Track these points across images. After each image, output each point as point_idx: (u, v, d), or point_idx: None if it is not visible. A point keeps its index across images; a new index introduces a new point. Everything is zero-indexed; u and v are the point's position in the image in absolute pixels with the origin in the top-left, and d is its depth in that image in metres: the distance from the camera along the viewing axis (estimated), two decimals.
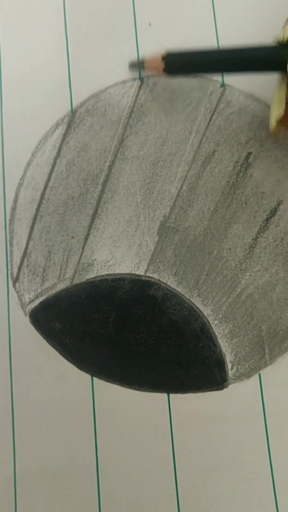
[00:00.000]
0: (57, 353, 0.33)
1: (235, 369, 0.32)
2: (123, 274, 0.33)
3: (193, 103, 0.35)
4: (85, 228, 0.34)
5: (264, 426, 0.32)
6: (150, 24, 0.36)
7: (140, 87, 0.35)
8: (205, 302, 0.33)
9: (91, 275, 0.34)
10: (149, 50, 0.36)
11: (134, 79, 0.36)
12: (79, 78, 0.36)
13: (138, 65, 0.35)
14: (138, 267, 0.33)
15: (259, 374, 0.32)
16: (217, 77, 0.36)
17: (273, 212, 0.34)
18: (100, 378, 0.33)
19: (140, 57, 0.35)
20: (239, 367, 0.32)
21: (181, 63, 0.33)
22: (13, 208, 0.34)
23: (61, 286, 0.34)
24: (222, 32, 0.36)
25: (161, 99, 0.35)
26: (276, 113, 0.30)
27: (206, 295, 0.33)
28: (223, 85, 0.35)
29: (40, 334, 0.33)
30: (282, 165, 0.34)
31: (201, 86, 0.35)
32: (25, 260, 0.34)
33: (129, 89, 0.35)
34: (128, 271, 0.33)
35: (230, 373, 0.32)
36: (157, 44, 0.36)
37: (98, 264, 0.34)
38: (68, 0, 0.37)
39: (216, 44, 0.36)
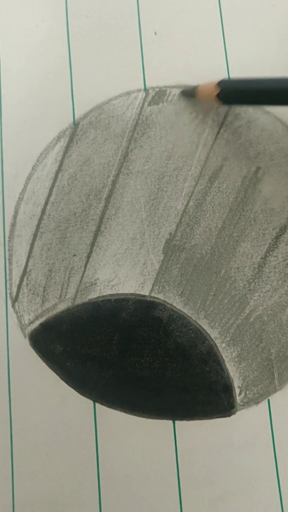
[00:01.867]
0: (57, 377, 0.31)
1: (243, 394, 0.30)
2: (127, 294, 0.31)
3: (200, 116, 0.32)
4: (88, 245, 0.31)
5: (273, 454, 0.29)
6: (155, 33, 0.34)
7: (145, 98, 0.33)
8: (212, 324, 0.30)
9: (93, 295, 0.31)
10: (154, 60, 0.33)
11: (139, 90, 0.33)
12: (82, 88, 0.33)
13: (191, 92, 0.32)
14: (142, 287, 0.31)
15: (268, 400, 0.30)
16: None
17: (283, 229, 0.31)
18: (102, 403, 0.30)
19: (193, 86, 0.33)
20: (247, 392, 0.30)
21: (236, 91, 0.30)
22: (13, 224, 0.32)
23: (62, 306, 0.31)
24: (229, 42, 0.33)
25: (167, 112, 0.32)
26: None
27: (213, 316, 0.31)
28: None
29: (40, 357, 0.31)
30: None
31: None
32: (25, 279, 0.31)
33: (134, 101, 0.33)
34: (132, 291, 0.31)
35: (238, 398, 0.30)
36: (162, 53, 0.34)
37: (101, 283, 0.31)
38: (71, 8, 0.34)
39: (224, 54, 0.33)
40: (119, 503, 0.30)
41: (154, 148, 0.33)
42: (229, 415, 0.30)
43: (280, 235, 0.32)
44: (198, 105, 0.33)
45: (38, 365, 0.31)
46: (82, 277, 0.32)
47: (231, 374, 0.31)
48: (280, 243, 0.32)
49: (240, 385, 0.31)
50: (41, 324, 0.31)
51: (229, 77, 0.33)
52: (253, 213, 0.32)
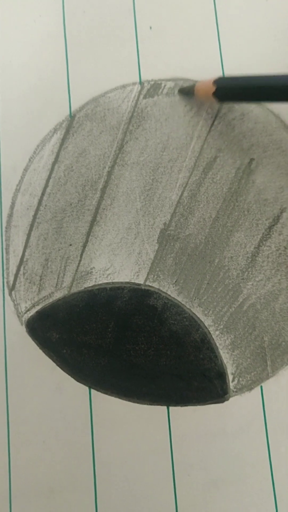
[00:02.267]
0: (54, 364, 0.31)
1: (236, 381, 0.30)
2: (122, 282, 0.31)
3: (194, 108, 0.33)
4: (84, 235, 0.32)
5: (266, 439, 0.30)
6: (150, 28, 0.34)
7: (140, 91, 0.33)
8: (206, 312, 0.31)
9: (89, 283, 0.31)
10: (149, 54, 0.34)
11: (135, 83, 0.33)
12: (78, 81, 0.34)
13: (188, 90, 0.33)
14: (137, 275, 0.31)
15: (261, 387, 0.30)
16: None
17: (276, 220, 0.32)
18: (98, 390, 0.30)
19: (189, 83, 0.33)
20: (240, 379, 0.30)
21: (232, 89, 0.30)
22: (10, 215, 0.32)
23: (58, 295, 0.31)
24: (224, 36, 0.33)
25: (162, 104, 0.33)
26: None
27: (207, 305, 0.31)
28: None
29: (37, 345, 0.31)
30: (286, 171, 0.32)
31: None
32: (22, 268, 0.32)
33: (129, 94, 0.33)
34: (127, 280, 0.31)
35: (231, 385, 0.30)
36: (157, 47, 0.34)
37: (96, 272, 0.31)
38: (67, 3, 0.34)
39: (218, 48, 0.33)
40: (114, 488, 0.30)
41: (149, 140, 0.33)
42: (222, 401, 0.31)
43: (273, 225, 0.32)
44: (195, 101, 0.33)
45: (34, 352, 0.31)
46: (78, 266, 0.32)
47: (225, 361, 0.31)
48: (273, 233, 0.32)
49: (234, 372, 0.31)
50: (38, 312, 0.32)
51: (223, 71, 0.34)
52: (246, 203, 0.32)
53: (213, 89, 0.30)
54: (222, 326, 0.31)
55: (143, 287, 0.32)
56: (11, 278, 0.32)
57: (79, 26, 0.35)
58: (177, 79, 0.34)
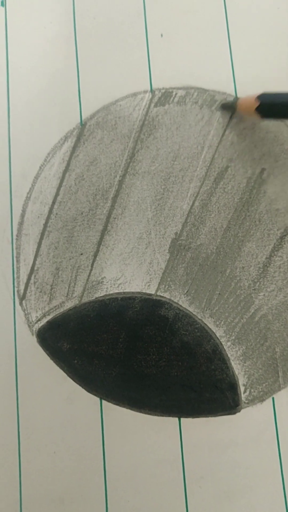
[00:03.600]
0: (64, 374, 0.30)
1: (248, 392, 0.29)
2: (133, 293, 0.30)
3: (206, 117, 0.32)
4: (95, 244, 0.31)
5: (278, 451, 0.29)
6: (161, 35, 0.33)
7: (151, 100, 0.32)
8: (217, 323, 0.30)
9: (100, 293, 0.30)
10: (160, 61, 0.33)
11: (146, 91, 0.32)
12: (89, 89, 0.33)
13: (231, 105, 0.32)
14: (148, 285, 0.30)
15: (273, 398, 0.30)
16: (230, 91, 0.33)
17: None
18: (109, 401, 0.30)
19: (233, 98, 0.32)
20: (252, 390, 0.29)
21: (277, 105, 0.30)
22: (20, 223, 0.31)
23: (69, 304, 0.30)
24: (234, 43, 0.33)
25: (173, 113, 0.32)
26: None
27: (218, 315, 0.30)
28: (236, 99, 0.32)
29: (48, 355, 0.30)
30: None
31: (213, 100, 0.32)
32: (32, 277, 0.31)
33: (140, 102, 0.32)
34: (138, 290, 0.30)
35: (243, 396, 0.29)
36: (168, 55, 0.33)
37: (107, 282, 0.31)
38: (78, 10, 0.33)
39: (229, 56, 0.32)
40: (125, 499, 0.29)
41: (160, 149, 0.32)
42: (234, 413, 0.30)
43: (285, 235, 0.31)
44: (204, 106, 0.32)
45: (45, 362, 0.31)
46: (89, 275, 0.31)
47: (236, 372, 0.30)
48: (285, 243, 0.31)
49: (245, 383, 0.30)
50: (49, 322, 0.31)
51: (234, 79, 0.33)
52: (258, 213, 0.32)
53: (256, 104, 0.30)
54: (233, 337, 0.31)
55: (154, 297, 0.31)
56: (22, 287, 0.31)
57: (89, 33, 0.34)
58: (188, 87, 0.33)
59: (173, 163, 0.32)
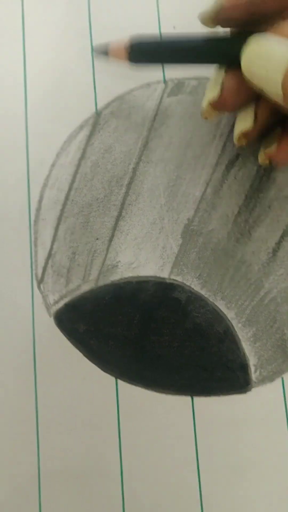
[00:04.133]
0: (81, 354, 0.31)
1: (258, 372, 0.30)
2: (147, 276, 0.31)
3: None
4: (110, 229, 0.32)
5: (287, 429, 0.30)
6: (174, 27, 0.34)
7: (164, 90, 0.33)
8: (228, 305, 0.31)
9: (115, 277, 0.31)
10: None
11: (159, 82, 0.33)
12: (104, 80, 0.34)
13: (103, 50, 0.31)
14: (162, 269, 0.31)
15: (282, 378, 0.30)
16: None
17: None
18: (124, 380, 0.31)
19: (105, 44, 0.31)
20: (262, 370, 0.30)
21: (146, 52, 0.29)
22: (38, 209, 0.32)
23: (85, 287, 0.31)
24: None
25: (186, 103, 0.33)
26: (209, 95, 0.28)
27: (229, 298, 0.31)
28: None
29: (65, 336, 0.31)
30: None
31: None
32: (50, 261, 0.32)
33: (154, 92, 0.33)
34: (152, 274, 0.31)
35: (253, 376, 0.30)
36: None
37: (122, 266, 0.31)
38: (93, 2, 0.34)
39: None
40: (140, 475, 0.30)
41: (173, 137, 0.33)
42: (244, 392, 0.31)
43: None
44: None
45: (62, 343, 0.31)
46: (104, 259, 0.32)
47: (247, 353, 0.31)
48: None
49: (255, 364, 0.31)
50: (66, 304, 0.32)
51: None
52: (268, 200, 0.32)
53: (125, 53, 0.29)
54: (244, 319, 0.31)
55: (167, 281, 0.32)
56: (40, 271, 0.32)
57: (104, 25, 0.35)
58: (201, 78, 0.34)
59: (185, 151, 0.33)
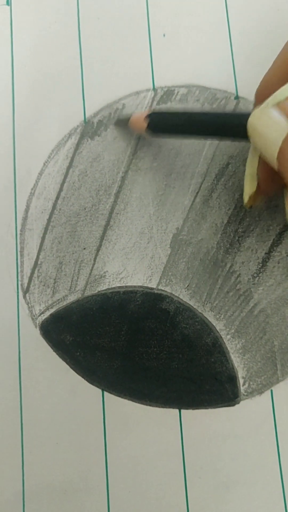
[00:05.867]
0: (67, 366, 0.30)
1: (247, 385, 0.29)
2: (135, 286, 0.30)
3: None
4: (97, 239, 0.31)
5: (276, 442, 0.29)
6: (164, 35, 0.33)
7: (153, 98, 0.32)
8: (217, 316, 0.30)
9: (102, 287, 0.30)
10: (163, 61, 0.33)
11: (148, 89, 0.32)
12: (93, 87, 0.33)
13: (123, 122, 0.32)
14: (150, 279, 0.30)
15: (271, 390, 0.29)
16: (231, 89, 0.32)
17: (287, 225, 0.30)
18: (110, 392, 0.29)
19: (126, 115, 0.32)
20: (251, 383, 0.29)
21: (163, 125, 0.30)
22: (24, 218, 0.31)
23: (72, 298, 0.30)
24: (235, 43, 0.33)
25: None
26: (249, 190, 0.28)
27: (218, 309, 0.30)
28: (237, 97, 0.32)
29: (51, 347, 0.30)
30: None
31: (215, 98, 0.32)
32: (36, 271, 0.30)
33: (143, 100, 0.32)
34: (140, 284, 0.30)
35: (242, 389, 0.29)
36: (170, 54, 0.33)
37: (110, 276, 0.30)
38: (82, 9, 0.33)
39: (230, 56, 0.32)
40: (126, 489, 0.29)
41: (162, 146, 0.32)
42: (233, 405, 0.30)
43: (284, 231, 0.31)
44: (205, 105, 0.32)
45: (48, 355, 0.30)
46: (91, 269, 0.31)
47: (236, 365, 0.30)
48: (284, 239, 0.31)
49: (244, 376, 0.30)
50: (52, 315, 0.31)
51: (235, 78, 0.33)
52: (257, 209, 0.31)
53: (145, 124, 0.30)
54: (233, 331, 0.30)
55: (155, 291, 0.31)
56: (26, 281, 0.31)
57: (93, 32, 0.34)
58: (190, 85, 0.33)
59: (174, 160, 0.32)
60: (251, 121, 0.26)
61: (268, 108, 0.25)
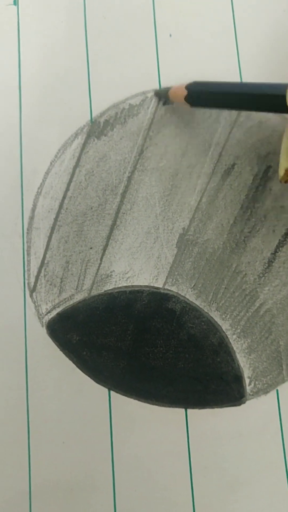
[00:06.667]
0: (74, 365, 0.30)
1: (252, 384, 0.29)
2: (141, 286, 0.30)
3: (213, 115, 0.32)
4: (104, 239, 0.30)
5: (282, 442, 0.29)
6: (170, 35, 0.33)
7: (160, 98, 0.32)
8: (223, 316, 0.30)
9: (109, 286, 0.30)
10: (169, 61, 0.32)
11: (154, 90, 0.32)
12: (99, 87, 0.32)
13: (163, 93, 0.32)
14: (156, 279, 0.30)
15: (277, 390, 0.29)
16: None
17: None
18: (117, 392, 0.29)
19: (166, 87, 0.32)
20: (256, 382, 0.29)
21: (203, 95, 0.30)
22: (31, 217, 0.31)
23: (78, 297, 0.30)
24: (242, 44, 0.32)
25: (181, 111, 0.31)
26: (284, 164, 0.27)
27: (224, 309, 0.30)
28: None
29: (57, 346, 0.30)
30: None
31: None
32: (43, 270, 0.30)
33: (149, 100, 0.32)
34: (146, 283, 0.30)
35: (248, 388, 0.29)
36: (177, 55, 0.33)
37: (116, 275, 0.30)
38: (89, 9, 0.33)
39: (236, 56, 0.32)
40: (132, 489, 0.29)
41: (169, 146, 0.32)
42: (239, 404, 0.30)
43: None
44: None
45: (55, 354, 0.30)
46: (98, 269, 0.31)
47: (242, 364, 0.30)
48: None
49: (250, 376, 0.30)
50: (58, 314, 0.30)
51: (241, 78, 0.32)
52: (263, 210, 0.31)
53: (185, 93, 0.30)
54: (239, 330, 0.30)
55: (162, 291, 0.31)
56: (32, 280, 0.31)
57: (100, 32, 0.34)
58: None
59: (181, 160, 0.32)
60: None
61: None
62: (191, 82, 0.30)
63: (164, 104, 0.32)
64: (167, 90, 0.32)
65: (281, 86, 0.25)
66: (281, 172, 0.28)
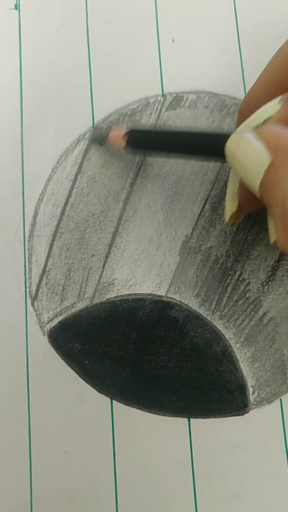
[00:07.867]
0: (75, 374, 0.29)
1: (256, 394, 0.28)
2: (144, 294, 0.29)
3: (216, 122, 0.31)
4: (106, 246, 0.30)
5: (285, 452, 0.28)
6: (173, 41, 0.32)
7: (162, 104, 0.31)
8: (227, 325, 0.29)
9: (111, 294, 0.29)
10: (172, 66, 0.32)
11: (157, 95, 0.31)
12: (101, 93, 0.32)
13: (100, 139, 0.32)
14: (159, 287, 0.29)
15: (280, 400, 0.29)
16: (240, 96, 0.32)
17: None
18: (119, 401, 0.29)
19: (104, 131, 0.32)
20: (260, 392, 0.28)
21: (141, 142, 0.30)
22: (33, 224, 0.30)
23: (80, 305, 0.29)
24: (244, 49, 0.32)
25: (184, 117, 0.31)
26: (230, 210, 0.27)
27: (228, 317, 0.29)
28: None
29: (59, 355, 0.29)
30: None
31: (224, 105, 0.31)
32: (44, 278, 0.30)
33: (152, 106, 0.31)
34: (149, 291, 0.29)
35: (252, 398, 0.28)
36: (179, 60, 0.32)
37: (118, 283, 0.29)
38: (90, 14, 0.32)
39: (239, 61, 0.32)
40: (135, 499, 0.28)
41: None
42: (242, 414, 0.29)
43: None
44: (214, 111, 0.31)
45: (56, 363, 0.30)
46: (100, 277, 0.30)
47: (245, 374, 0.29)
48: None
49: (254, 385, 0.29)
50: (60, 322, 0.30)
51: (244, 84, 0.32)
52: (267, 217, 0.30)
53: (123, 142, 0.29)
54: (242, 339, 0.30)
55: (164, 299, 0.30)
56: (34, 288, 0.30)
57: (102, 37, 0.33)
58: (199, 91, 0.32)
59: (184, 167, 0.31)
60: (229, 146, 0.24)
61: (246, 132, 0.23)
62: (130, 130, 0.30)
63: (100, 145, 0.31)
64: (104, 136, 0.31)
65: (223, 138, 0.24)
66: (227, 217, 0.28)
